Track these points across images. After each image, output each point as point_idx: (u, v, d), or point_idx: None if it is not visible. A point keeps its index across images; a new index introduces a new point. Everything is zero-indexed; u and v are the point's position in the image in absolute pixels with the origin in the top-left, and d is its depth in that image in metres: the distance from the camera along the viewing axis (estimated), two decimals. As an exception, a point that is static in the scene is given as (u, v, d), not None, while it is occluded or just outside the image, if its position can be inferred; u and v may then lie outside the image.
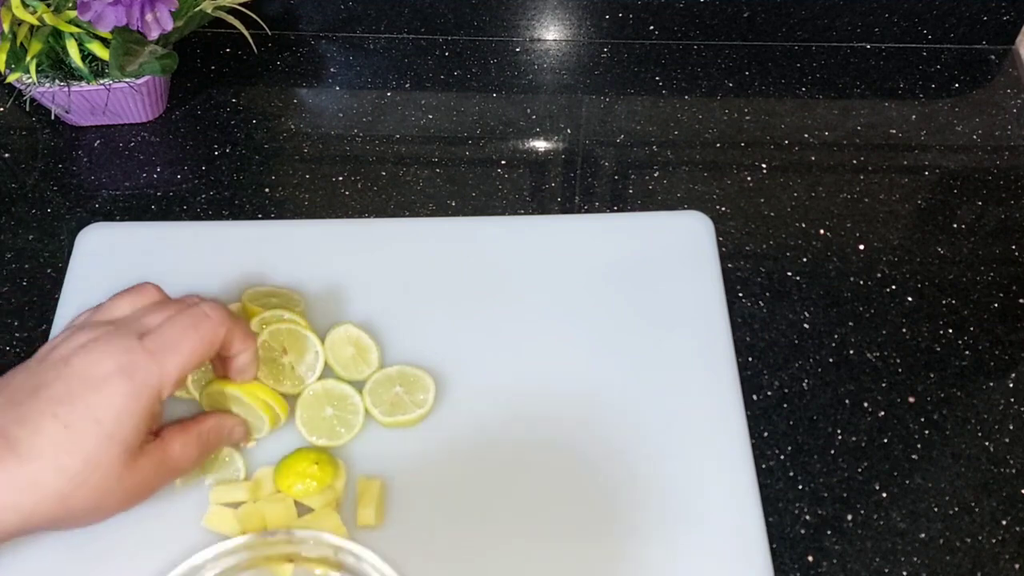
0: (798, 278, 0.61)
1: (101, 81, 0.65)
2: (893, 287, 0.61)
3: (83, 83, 0.64)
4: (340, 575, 0.47)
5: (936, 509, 0.52)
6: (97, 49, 0.62)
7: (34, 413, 0.42)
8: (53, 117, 0.69)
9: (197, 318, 0.46)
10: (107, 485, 0.42)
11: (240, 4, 0.68)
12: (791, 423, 0.55)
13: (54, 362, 0.44)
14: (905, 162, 0.68)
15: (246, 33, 0.70)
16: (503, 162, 0.68)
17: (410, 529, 0.49)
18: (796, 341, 0.58)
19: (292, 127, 0.70)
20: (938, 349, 0.58)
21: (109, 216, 0.64)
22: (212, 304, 0.47)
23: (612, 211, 0.65)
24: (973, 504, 0.52)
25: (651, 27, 0.75)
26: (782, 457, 0.53)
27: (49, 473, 0.41)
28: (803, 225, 0.64)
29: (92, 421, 0.42)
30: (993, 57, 0.76)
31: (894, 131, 0.70)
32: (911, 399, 0.56)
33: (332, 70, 0.75)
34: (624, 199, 0.66)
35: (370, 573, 0.47)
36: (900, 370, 0.57)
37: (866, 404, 0.56)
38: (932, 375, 0.57)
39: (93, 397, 0.42)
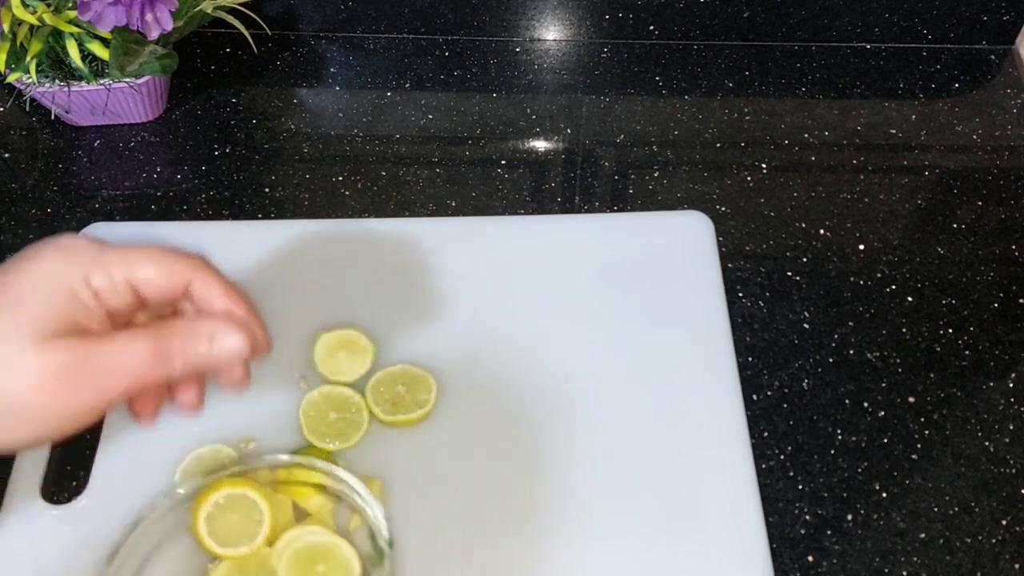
0: (798, 278, 0.61)
1: (101, 81, 0.65)
2: (893, 287, 0.61)
3: (83, 83, 0.64)
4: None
5: (936, 509, 0.52)
6: (97, 49, 0.62)
7: None
8: (53, 117, 0.69)
9: (166, 249, 0.42)
10: (10, 358, 0.38)
11: (240, 4, 0.68)
12: (791, 423, 0.55)
13: None
14: (905, 162, 0.68)
15: (246, 33, 0.70)
16: (503, 162, 0.68)
17: (410, 529, 0.49)
18: (796, 341, 0.58)
19: (292, 127, 0.70)
20: (938, 349, 0.58)
21: (109, 216, 0.64)
22: (199, 255, 0.43)
23: (612, 211, 0.65)
24: (973, 504, 0.52)
25: (651, 27, 0.75)
26: (782, 457, 0.53)
27: None
28: (803, 225, 0.64)
29: (2, 284, 0.39)
30: (993, 57, 0.76)
31: (894, 131, 0.70)
32: (911, 399, 0.56)
33: (332, 70, 0.75)
34: (624, 199, 0.66)
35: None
36: (900, 370, 0.57)
37: (866, 404, 0.56)
38: (932, 375, 0.57)
39: (22, 262, 0.40)
